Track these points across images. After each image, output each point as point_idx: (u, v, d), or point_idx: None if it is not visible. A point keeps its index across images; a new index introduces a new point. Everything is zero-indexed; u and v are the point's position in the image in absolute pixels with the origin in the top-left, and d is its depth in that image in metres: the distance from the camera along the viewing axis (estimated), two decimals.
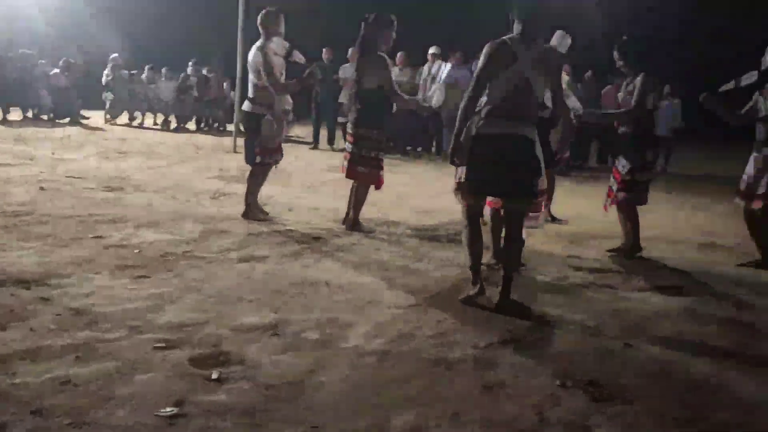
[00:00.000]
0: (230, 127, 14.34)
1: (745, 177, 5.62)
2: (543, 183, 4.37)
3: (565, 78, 7.42)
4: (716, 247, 6.44)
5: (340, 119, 14.27)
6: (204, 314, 3.72)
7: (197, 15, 22.23)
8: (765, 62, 5.40)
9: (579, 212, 7.75)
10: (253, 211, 6.28)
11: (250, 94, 6.21)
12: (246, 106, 6.26)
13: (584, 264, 5.44)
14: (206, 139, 14.10)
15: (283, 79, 6.12)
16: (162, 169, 9.25)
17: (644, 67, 5.50)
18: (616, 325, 4.02)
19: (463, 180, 4.18)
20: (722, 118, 5.76)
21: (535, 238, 6.12)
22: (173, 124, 16.26)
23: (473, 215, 4.31)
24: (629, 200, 5.66)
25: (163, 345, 3.27)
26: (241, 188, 7.85)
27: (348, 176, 6.09)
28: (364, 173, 6.01)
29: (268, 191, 7.83)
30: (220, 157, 11.07)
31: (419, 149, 13.70)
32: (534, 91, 4.10)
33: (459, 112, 4.14)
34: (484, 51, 4.12)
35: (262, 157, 6.17)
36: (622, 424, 2.80)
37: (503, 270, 4.22)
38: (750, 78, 5.50)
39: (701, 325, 4.13)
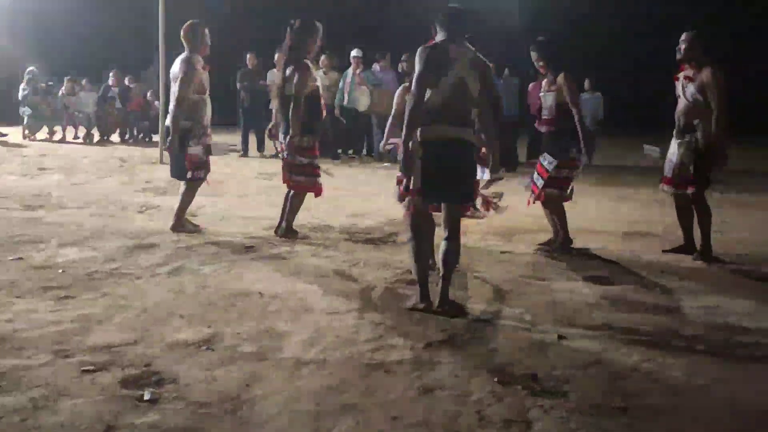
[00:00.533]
0: (156, 138, 14.02)
1: (669, 164, 5.77)
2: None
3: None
4: (642, 235, 6.63)
5: (271, 125, 14.16)
6: (133, 333, 3.61)
7: (116, 23, 21.69)
8: (680, 51, 5.58)
9: (509, 207, 7.86)
10: (182, 223, 6.14)
11: (173, 107, 5.97)
12: (168, 119, 6.08)
13: (517, 259, 5.53)
14: (132, 151, 13.73)
15: (206, 93, 5.98)
16: (85, 184, 8.96)
17: (562, 65, 5.61)
18: (550, 318, 4.09)
19: (416, 188, 4.13)
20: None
21: (468, 236, 6.18)
22: (96, 137, 15.77)
23: (419, 227, 4.26)
24: (556, 196, 5.75)
25: (92, 368, 3.15)
26: (170, 200, 7.71)
27: (289, 187, 6.04)
28: (300, 182, 5.95)
29: (198, 202, 7.67)
30: (147, 169, 10.80)
31: (351, 152, 13.69)
32: (470, 93, 4.13)
33: (406, 118, 4.07)
34: (421, 55, 4.10)
35: (191, 170, 6.02)
36: (560, 417, 2.84)
37: (442, 271, 4.19)
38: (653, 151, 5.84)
39: (630, 312, 4.24)
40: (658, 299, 4.53)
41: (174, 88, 5.95)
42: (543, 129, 5.82)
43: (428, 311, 4.07)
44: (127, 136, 16.35)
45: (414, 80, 4.10)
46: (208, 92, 6.02)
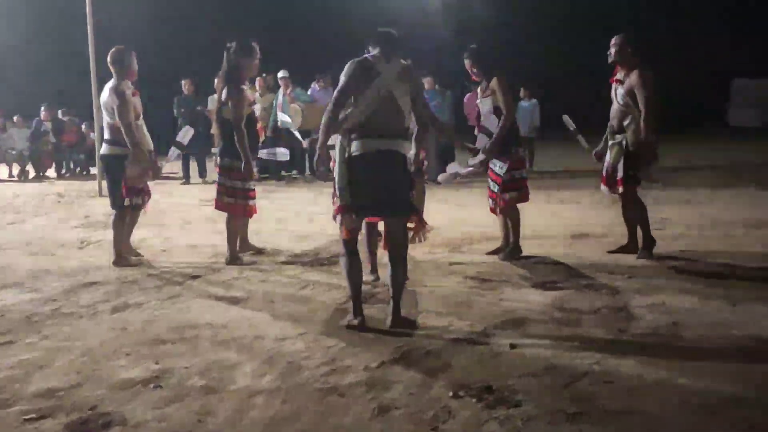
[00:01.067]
0: (93, 170, 13.70)
1: (606, 165, 5.87)
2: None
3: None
4: (586, 237, 6.74)
5: (214, 150, 13.97)
6: (77, 376, 3.48)
7: (46, 56, 21.23)
8: (610, 55, 5.70)
9: (453, 218, 7.93)
10: (124, 257, 6.00)
11: (106, 135, 5.93)
12: (104, 149, 6.00)
13: (466, 269, 5.55)
14: (69, 185, 13.37)
15: (140, 119, 5.88)
16: (21, 223, 8.66)
17: (496, 71, 5.69)
18: (502, 327, 4.11)
19: (346, 204, 4.12)
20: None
21: (416, 249, 6.20)
22: (31, 174, 15.33)
23: (352, 244, 4.23)
24: (514, 199, 5.80)
25: (34, 416, 3.02)
26: (110, 234, 7.49)
27: (216, 208, 5.99)
28: (231, 204, 5.88)
29: (140, 233, 7.50)
30: (85, 204, 10.53)
31: (294, 173, 13.61)
32: (399, 105, 4.12)
33: (321, 125, 4.10)
34: (346, 69, 4.12)
35: (130, 198, 5.91)
36: (515, 428, 2.84)
37: (391, 292, 4.19)
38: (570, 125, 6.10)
39: (579, 315, 4.29)
40: (605, 300, 4.60)
41: (107, 119, 5.85)
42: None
43: (362, 327, 4.09)
44: (63, 171, 15.95)
45: (336, 90, 4.13)
46: (141, 117, 5.91)
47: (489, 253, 6.00)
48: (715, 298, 4.58)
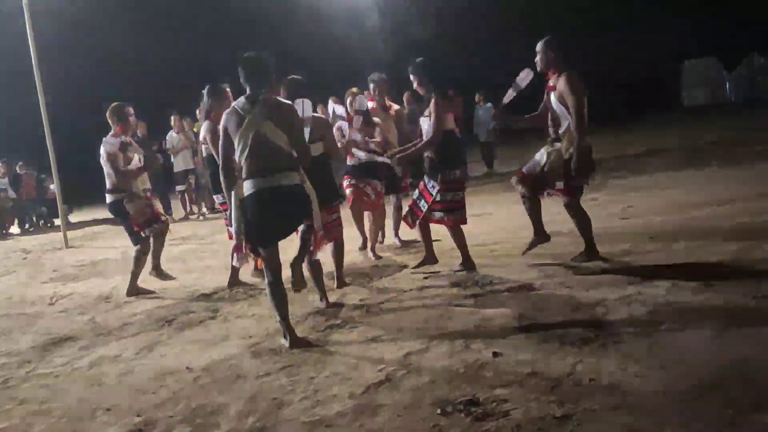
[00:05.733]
0: (58, 222, 13.50)
1: (531, 163, 5.65)
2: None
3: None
4: (555, 235, 6.74)
5: (178, 188, 13.87)
6: None
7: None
8: (538, 63, 5.54)
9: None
10: (140, 288, 6.59)
11: (107, 185, 6.44)
12: (107, 198, 6.51)
13: (441, 282, 5.54)
14: (34, 240, 13.17)
15: (140, 162, 6.51)
16: None
17: (437, 86, 5.62)
18: (482, 336, 4.10)
19: (242, 242, 4.42)
20: (518, 126, 6.09)
21: (390, 268, 6.21)
22: None
23: (274, 271, 4.42)
24: (454, 221, 5.73)
25: None
26: (81, 286, 7.43)
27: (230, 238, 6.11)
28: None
29: (111, 281, 7.43)
30: (53, 257, 10.36)
31: None
32: (273, 141, 4.32)
33: (222, 184, 4.50)
34: (221, 121, 4.44)
35: (143, 230, 6.44)
36: None
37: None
38: (526, 78, 5.68)
39: (557, 316, 4.30)
40: (582, 298, 4.62)
41: (105, 169, 6.43)
42: (426, 154, 5.83)
43: (296, 344, 4.35)
44: (27, 225, 15.70)
45: (219, 148, 4.45)
46: (134, 163, 6.46)
47: (457, 270, 5.87)
48: (689, 281, 4.61)
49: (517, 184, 5.72)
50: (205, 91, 6.04)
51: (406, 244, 7.37)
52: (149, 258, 6.63)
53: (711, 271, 4.81)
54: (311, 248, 4.90)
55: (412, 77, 5.78)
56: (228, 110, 4.45)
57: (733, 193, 7.77)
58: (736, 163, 10.27)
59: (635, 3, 30.32)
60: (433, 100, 5.60)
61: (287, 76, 5.47)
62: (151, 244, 6.59)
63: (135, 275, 6.58)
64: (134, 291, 6.56)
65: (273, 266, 4.43)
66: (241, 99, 4.41)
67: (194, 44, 26.03)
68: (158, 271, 6.77)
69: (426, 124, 5.72)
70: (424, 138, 5.75)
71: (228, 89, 6.05)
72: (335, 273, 5.86)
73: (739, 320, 3.82)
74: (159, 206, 6.82)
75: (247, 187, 4.33)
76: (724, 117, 20.44)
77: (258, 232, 4.37)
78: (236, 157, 4.38)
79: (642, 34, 28.66)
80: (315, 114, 5.66)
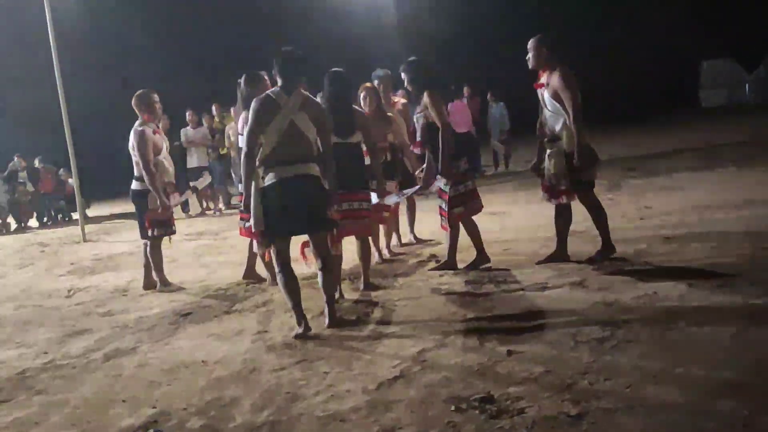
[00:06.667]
0: (76, 216, 13.62)
1: (547, 175, 5.54)
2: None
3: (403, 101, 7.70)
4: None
5: (192, 184, 13.91)
6: (74, 429, 3.43)
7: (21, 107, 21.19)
8: (530, 61, 5.45)
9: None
10: (164, 284, 6.54)
11: (135, 173, 6.39)
12: (133, 185, 6.47)
13: (456, 279, 5.54)
14: (52, 234, 13.29)
15: (161, 154, 6.39)
16: (4, 277, 8.57)
17: (429, 85, 5.60)
18: (496, 333, 4.09)
19: (261, 230, 4.47)
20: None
21: (407, 262, 6.22)
22: (13, 226, 15.22)
23: (284, 261, 4.56)
24: (462, 214, 5.73)
25: None
26: (98, 279, 7.49)
27: (241, 234, 6.30)
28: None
29: (127, 275, 7.48)
30: (71, 250, 10.45)
31: None
32: (304, 133, 4.48)
33: (242, 171, 4.56)
34: (252, 108, 4.47)
35: (152, 230, 6.36)
36: None
37: (325, 297, 4.68)
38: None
39: (573, 314, 4.29)
40: (597, 296, 4.60)
41: (133, 157, 6.35)
42: (417, 151, 5.87)
43: (307, 335, 4.45)
44: (45, 219, 15.85)
45: (246, 133, 4.51)
46: (163, 153, 6.42)
47: (466, 267, 5.86)
48: (705, 282, 4.59)
49: (549, 200, 5.65)
50: (242, 80, 5.84)
51: (421, 242, 7.37)
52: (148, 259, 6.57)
53: (728, 271, 4.77)
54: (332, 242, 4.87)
55: (404, 77, 5.78)
56: (260, 97, 4.55)
57: (751, 194, 7.70)
58: (754, 165, 10.17)
59: (654, 3, 30.12)
60: (426, 94, 5.58)
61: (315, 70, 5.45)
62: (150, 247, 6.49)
63: (148, 268, 6.60)
64: (151, 285, 6.58)
65: (283, 256, 4.55)
66: (276, 88, 4.55)
67: (213, 40, 26.14)
68: (160, 280, 6.61)
69: (421, 120, 5.72)
70: (420, 135, 5.78)
71: (266, 76, 5.83)
72: (362, 273, 5.65)
73: (756, 321, 3.79)
74: (176, 200, 6.76)
75: (272, 176, 4.43)
76: (742, 118, 20.23)
77: (277, 220, 4.44)
78: (261, 143, 4.46)
79: (661, 35, 28.48)
80: (354, 107, 5.61)
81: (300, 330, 4.49)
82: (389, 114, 6.72)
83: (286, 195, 4.42)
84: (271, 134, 4.43)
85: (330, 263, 4.72)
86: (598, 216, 5.55)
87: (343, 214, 4.95)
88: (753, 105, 26.52)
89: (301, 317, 4.54)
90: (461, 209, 5.74)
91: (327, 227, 4.65)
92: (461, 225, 5.82)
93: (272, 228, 4.47)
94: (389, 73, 7.14)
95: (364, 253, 5.60)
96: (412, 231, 7.50)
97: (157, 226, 6.38)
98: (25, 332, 5.48)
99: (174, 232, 6.59)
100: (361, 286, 5.59)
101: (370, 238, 5.89)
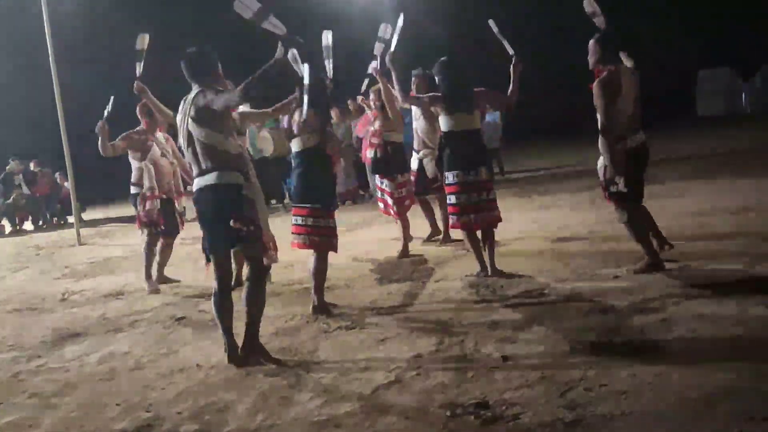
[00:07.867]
0: (71, 219, 13.58)
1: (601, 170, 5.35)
2: None
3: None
4: (570, 240, 6.73)
5: (189, 188, 13.88)
6: None
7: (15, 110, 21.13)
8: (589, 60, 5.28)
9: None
10: (162, 278, 6.79)
11: (132, 179, 6.60)
12: (131, 189, 6.65)
13: (451, 285, 5.53)
14: (47, 237, 13.25)
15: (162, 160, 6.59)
16: (0, 280, 8.54)
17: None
18: (492, 339, 4.08)
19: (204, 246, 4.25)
20: None
21: (403, 267, 6.21)
22: (8, 228, 15.17)
23: (221, 279, 4.14)
24: (465, 223, 5.63)
25: None
26: (92, 283, 7.46)
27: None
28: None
29: (122, 278, 7.46)
30: (66, 254, 10.42)
31: (273, 201, 13.53)
32: (198, 139, 4.00)
33: None
34: None
35: (142, 228, 6.57)
36: None
37: (246, 318, 4.13)
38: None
39: (569, 320, 4.28)
40: (593, 304, 4.58)
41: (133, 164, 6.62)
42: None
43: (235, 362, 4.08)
44: (40, 222, 15.80)
45: None
46: (171, 157, 6.65)
47: (468, 275, 5.81)
48: (701, 290, 4.58)
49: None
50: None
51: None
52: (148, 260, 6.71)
53: (724, 279, 4.77)
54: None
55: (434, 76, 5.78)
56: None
57: (747, 202, 7.70)
58: (750, 174, 10.17)
59: (651, 12, 30.18)
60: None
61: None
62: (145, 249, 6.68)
63: (160, 264, 6.79)
64: (162, 281, 6.79)
65: (220, 274, 4.14)
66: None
67: (213, 39, 26.09)
68: (158, 276, 6.82)
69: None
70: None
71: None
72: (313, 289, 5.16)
73: (752, 328, 3.79)
74: (181, 203, 6.93)
75: (194, 188, 4.17)
76: (739, 127, 20.26)
77: (205, 235, 4.21)
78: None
79: (657, 44, 28.54)
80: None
81: (232, 352, 4.10)
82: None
83: (203, 210, 4.10)
84: (185, 144, 4.12)
85: (256, 277, 4.13)
86: (635, 230, 5.28)
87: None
88: (749, 114, 26.60)
89: (228, 345, 4.11)
90: (455, 218, 5.67)
91: (237, 242, 4.07)
92: (464, 233, 5.78)
93: (205, 242, 4.22)
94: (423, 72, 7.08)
95: (318, 266, 5.18)
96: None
97: (144, 225, 6.57)
98: (20, 335, 5.46)
99: (159, 233, 6.62)
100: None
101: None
